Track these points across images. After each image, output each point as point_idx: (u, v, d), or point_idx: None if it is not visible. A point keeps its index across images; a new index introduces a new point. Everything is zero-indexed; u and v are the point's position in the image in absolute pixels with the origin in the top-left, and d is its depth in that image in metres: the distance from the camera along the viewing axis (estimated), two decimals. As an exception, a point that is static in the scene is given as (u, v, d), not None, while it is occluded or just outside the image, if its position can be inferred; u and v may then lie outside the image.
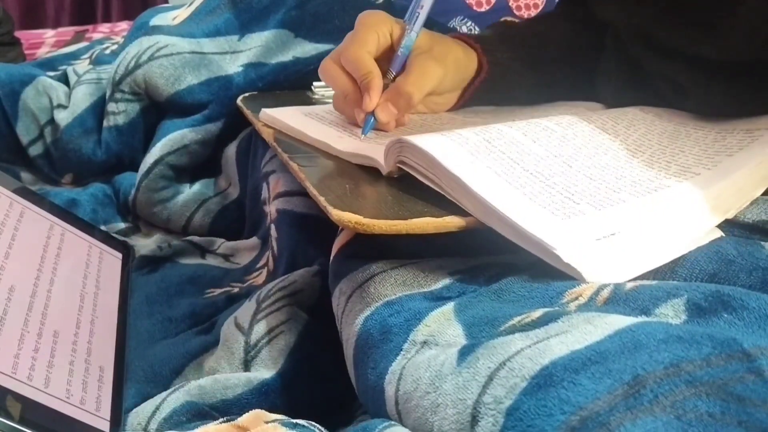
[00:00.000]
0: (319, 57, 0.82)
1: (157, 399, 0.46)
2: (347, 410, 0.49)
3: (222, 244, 0.73)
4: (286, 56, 0.81)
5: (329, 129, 0.58)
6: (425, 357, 0.34)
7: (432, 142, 0.43)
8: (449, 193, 0.42)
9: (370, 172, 0.49)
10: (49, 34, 1.42)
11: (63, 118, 0.85)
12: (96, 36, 1.38)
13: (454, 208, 0.41)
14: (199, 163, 0.80)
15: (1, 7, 1.26)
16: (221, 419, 0.40)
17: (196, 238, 0.74)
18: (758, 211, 0.41)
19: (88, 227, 0.66)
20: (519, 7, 1.23)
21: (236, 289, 0.64)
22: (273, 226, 0.64)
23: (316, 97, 0.78)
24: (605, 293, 0.34)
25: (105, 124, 0.83)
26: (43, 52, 1.29)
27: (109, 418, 0.44)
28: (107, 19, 2.65)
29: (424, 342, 0.35)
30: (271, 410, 0.41)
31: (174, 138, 0.78)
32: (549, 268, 0.37)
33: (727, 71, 0.52)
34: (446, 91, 0.63)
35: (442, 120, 0.63)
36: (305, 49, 0.82)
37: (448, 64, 0.59)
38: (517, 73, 0.65)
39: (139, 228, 0.80)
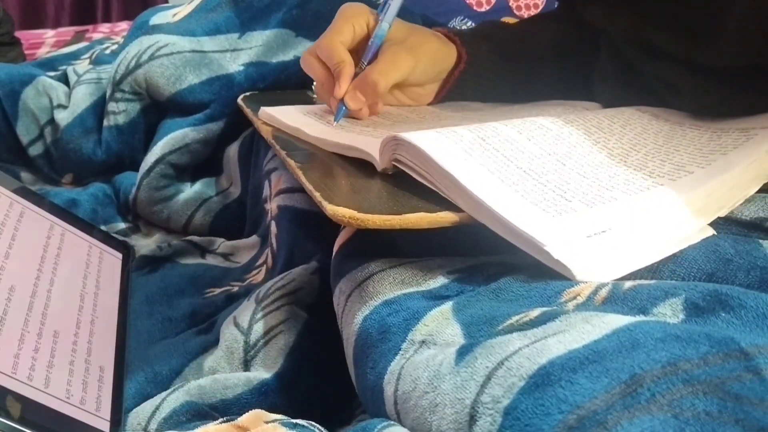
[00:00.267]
0: (320, 57, 0.83)
1: (157, 399, 0.46)
2: (347, 410, 0.49)
3: (222, 244, 0.74)
4: (288, 55, 0.81)
5: (327, 127, 0.59)
6: (424, 357, 0.34)
7: (427, 139, 0.44)
8: (443, 190, 0.42)
9: (366, 168, 0.49)
10: (49, 34, 1.42)
11: (63, 118, 0.85)
12: (96, 36, 1.38)
13: (449, 204, 0.41)
14: (200, 163, 0.80)
15: (1, 7, 1.26)
16: (221, 419, 0.40)
17: (196, 238, 0.74)
18: (756, 208, 0.41)
19: (88, 227, 0.66)
20: (519, 7, 1.23)
21: (236, 288, 0.64)
22: (273, 223, 0.64)
23: (316, 96, 0.78)
24: (603, 292, 0.34)
25: (105, 123, 0.83)
26: (43, 52, 1.29)
27: (109, 418, 0.44)
28: (107, 19, 2.66)
29: (423, 341, 0.35)
30: (270, 410, 0.41)
31: (175, 137, 0.78)
32: (547, 267, 0.37)
33: (720, 74, 0.52)
34: (424, 82, 0.64)
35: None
36: (307, 48, 0.82)
37: (420, 55, 0.61)
38: (496, 66, 0.66)
39: (139, 228, 0.80)
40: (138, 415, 0.45)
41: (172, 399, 0.45)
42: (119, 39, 1.13)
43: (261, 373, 0.48)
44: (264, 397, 0.47)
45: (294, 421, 0.38)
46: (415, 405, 0.32)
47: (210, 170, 0.81)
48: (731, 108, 0.52)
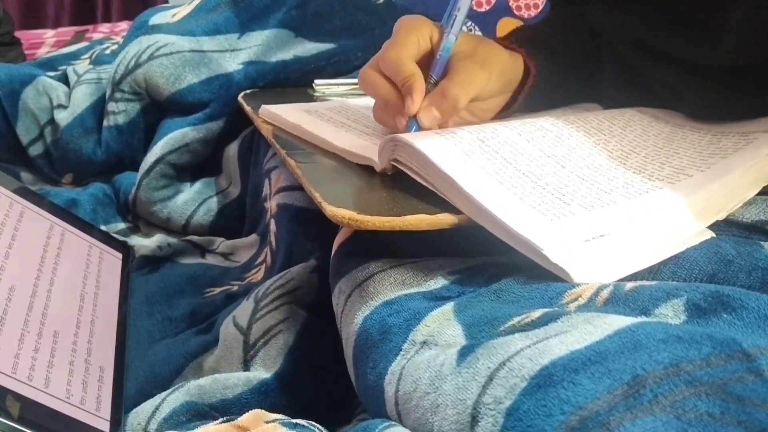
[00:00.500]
0: (320, 56, 0.83)
1: (157, 399, 0.46)
2: (347, 410, 0.49)
3: (221, 243, 0.74)
4: (287, 55, 0.81)
5: (327, 126, 0.58)
6: (425, 357, 0.34)
7: (425, 140, 0.44)
8: (441, 191, 0.42)
9: (367, 169, 0.49)
10: (49, 34, 1.42)
11: (63, 118, 0.85)
12: (96, 36, 1.37)
13: (448, 206, 0.41)
14: (200, 162, 0.80)
15: (1, 7, 1.26)
16: (221, 419, 0.40)
17: (195, 238, 0.74)
18: (756, 210, 0.41)
19: (88, 227, 0.66)
20: (519, 7, 1.23)
21: (235, 287, 0.64)
22: (273, 221, 0.64)
23: (317, 94, 0.78)
24: (605, 294, 0.34)
25: (105, 123, 0.83)
26: (43, 52, 1.29)
27: (109, 418, 0.44)
28: (107, 19, 2.65)
29: (424, 342, 0.35)
30: (270, 410, 0.41)
31: (175, 137, 0.78)
32: (547, 269, 0.37)
33: (720, 75, 0.51)
34: (490, 96, 0.58)
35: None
36: (306, 48, 0.82)
37: (492, 69, 0.56)
38: (556, 77, 0.62)
39: (139, 228, 0.80)
40: (138, 415, 0.45)
41: (172, 399, 0.45)
42: (119, 39, 1.13)
43: (261, 372, 0.48)
44: (264, 396, 0.47)
45: (294, 420, 0.38)
46: (416, 405, 0.32)
47: (210, 170, 0.81)
48: (731, 109, 0.52)
